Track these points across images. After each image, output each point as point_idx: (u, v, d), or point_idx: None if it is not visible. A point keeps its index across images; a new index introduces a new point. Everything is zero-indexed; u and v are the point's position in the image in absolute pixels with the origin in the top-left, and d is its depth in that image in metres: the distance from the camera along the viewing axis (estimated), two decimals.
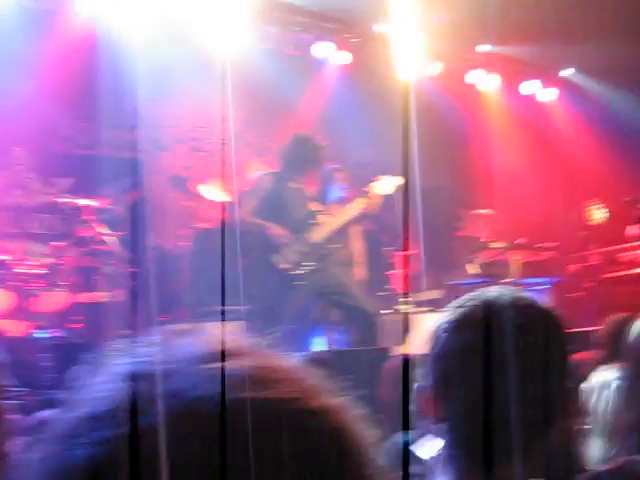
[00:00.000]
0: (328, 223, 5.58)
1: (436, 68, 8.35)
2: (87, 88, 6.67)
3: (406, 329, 5.84)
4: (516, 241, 7.32)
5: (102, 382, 0.58)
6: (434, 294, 6.86)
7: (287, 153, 5.58)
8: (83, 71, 6.63)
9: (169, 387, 0.54)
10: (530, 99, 9.17)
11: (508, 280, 6.55)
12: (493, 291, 1.26)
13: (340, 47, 7.94)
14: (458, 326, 1.24)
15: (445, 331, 1.26)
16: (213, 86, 7.28)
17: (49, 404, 2.62)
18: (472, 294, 1.26)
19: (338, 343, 5.94)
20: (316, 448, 0.53)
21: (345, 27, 7.91)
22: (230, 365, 0.57)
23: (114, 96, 6.37)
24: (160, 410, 0.52)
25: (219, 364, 0.57)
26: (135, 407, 0.53)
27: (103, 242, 5.53)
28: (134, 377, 0.56)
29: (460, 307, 1.25)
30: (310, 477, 0.52)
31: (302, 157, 5.49)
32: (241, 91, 7.49)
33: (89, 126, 6.95)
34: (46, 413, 2.57)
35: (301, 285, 5.41)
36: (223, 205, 6.35)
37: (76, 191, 6.33)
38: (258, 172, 5.70)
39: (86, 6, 6.59)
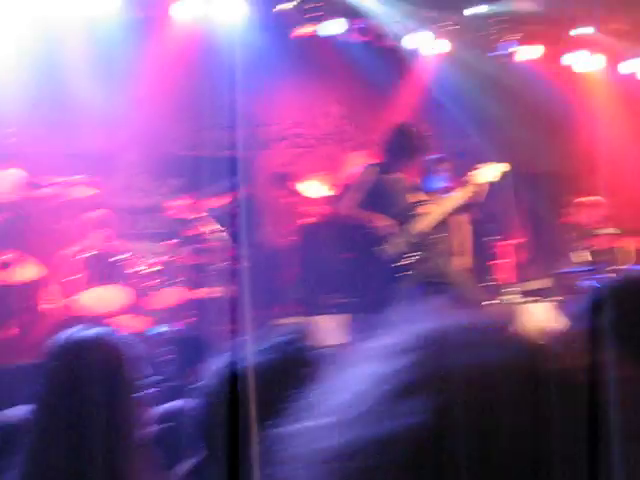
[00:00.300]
0: (431, 213, 5.56)
1: (536, 51, 8.16)
2: (191, 90, 6.90)
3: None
4: (625, 227, 7.08)
5: None
6: (541, 283, 6.73)
7: (390, 143, 5.56)
8: (186, 74, 6.86)
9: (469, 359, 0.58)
10: (631, 78, 8.84)
11: (616, 267, 6.36)
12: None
13: (437, 36, 7.88)
14: None
15: None
16: (312, 82, 7.40)
17: (173, 396, 2.74)
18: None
19: None
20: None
21: (442, 15, 7.84)
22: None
23: (216, 96, 6.57)
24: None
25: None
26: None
27: (213, 239, 5.70)
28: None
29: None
30: None
31: (405, 146, 5.47)
32: (340, 85, 7.59)
33: (194, 127, 7.18)
34: (175, 404, 2.69)
35: (407, 276, 5.39)
36: (325, 200, 6.44)
37: (185, 191, 6.57)
38: (361, 164, 5.71)
39: (183, 10, 6.79)
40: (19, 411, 2.28)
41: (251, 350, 1.50)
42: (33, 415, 1.97)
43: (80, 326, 2.07)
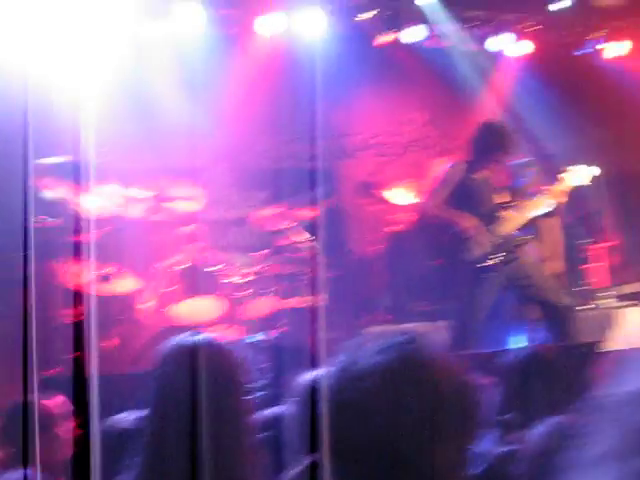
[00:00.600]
0: (518, 216, 5.47)
1: (623, 47, 7.95)
2: (274, 103, 7.03)
3: (609, 324, 5.61)
4: None
5: None
6: (636, 287, 6.54)
7: (477, 140, 5.49)
8: (269, 87, 6.99)
9: None
10: None
11: None
12: None
13: (520, 37, 7.78)
14: None
15: None
16: (394, 90, 7.42)
17: (271, 403, 2.78)
18: None
19: (539, 340, 5.79)
20: None
21: (523, 15, 7.74)
22: None
23: (300, 108, 6.66)
24: None
25: None
26: None
27: (303, 249, 5.77)
28: None
29: None
30: None
31: (492, 143, 5.39)
32: (423, 92, 7.58)
33: (279, 140, 7.30)
34: (276, 410, 2.73)
35: (493, 278, 5.30)
36: (412, 208, 6.43)
37: (273, 202, 6.68)
38: (448, 163, 5.64)
39: (266, 25, 6.92)
40: (129, 416, 2.37)
41: (366, 351, 1.51)
42: (146, 420, 2.03)
43: (188, 333, 2.14)
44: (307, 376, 2.63)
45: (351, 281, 6.04)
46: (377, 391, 1.43)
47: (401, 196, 6.59)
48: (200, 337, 2.09)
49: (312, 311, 5.38)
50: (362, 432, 1.42)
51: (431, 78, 7.43)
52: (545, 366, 2.65)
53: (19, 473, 1.93)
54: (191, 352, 2.04)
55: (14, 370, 5.47)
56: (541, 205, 5.54)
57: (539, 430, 2.14)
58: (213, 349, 2.06)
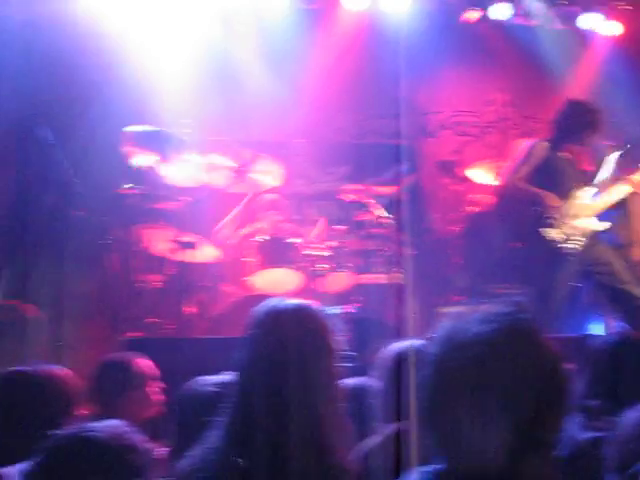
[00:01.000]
0: (599, 200, 5.33)
1: None
2: (358, 80, 7.01)
3: None
4: None
5: None
6: None
7: (562, 118, 5.34)
8: (353, 63, 6.97)
9: None
10: None
11: None
12: None
13: (609, 17, 7.54)
14: None
15: None
16: (477, 68, 7.30)
17: (352, 373, 2.80)
18: None
19: (617, 328, 5.66)
20: None
21: None
22: None
23: (383, 85, 6.63)
24: None
25: None
26: None
27: (381, 225, 5.77)
28: None
29: None
30: None
31: (577, 121, 5.23)
32: (506, 71, 7.43)
33: (361, 116, 7.28)
34: (354, 381, 2.75)
35: (571, 262, 5.17)
36: (491, 188, 6.35)
37: (353, 178, 6.68)
38: (531, 141, 5.52)
39: (352, 1, 6.89)
40: (223, 377, 2.41)
41: (470, 320, 1.49)
42: (236, 382, 2.06)
43: (278, 298, 2.15)
44: (392, 348, 2.65)
45: (428, 260, 6.01)
46: (482, 360, 1.42)
47: (481, 176, 6.50)
48: (291, 302, 2.11)
49: (393, 287, 5.40)
50: (464, 401, 1.41)
51: (516, 57, 7.28)
52: (636, 352, 2.59)
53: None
54: (284, 315, 2.06)
55: (97, 331, 5.66)
56: (621, 192, 5.37)
57: (630, 416, 2.11)
58: (304, 313, 2.07)
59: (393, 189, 5.91)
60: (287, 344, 2.01)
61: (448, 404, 1.39)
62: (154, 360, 3.32)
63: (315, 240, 5.80)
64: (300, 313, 2.07)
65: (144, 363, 3.19)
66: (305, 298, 5.03)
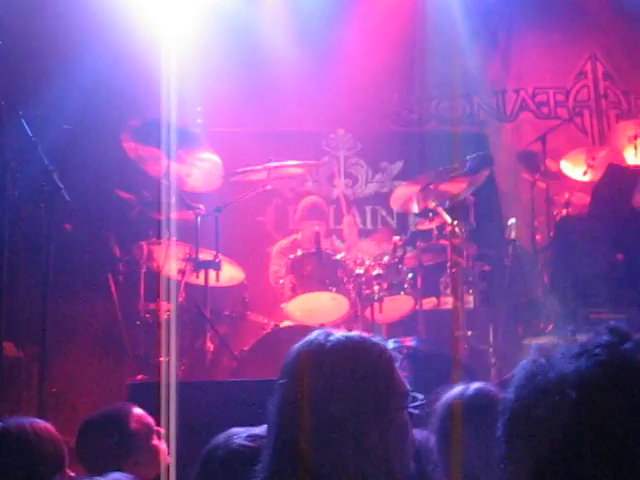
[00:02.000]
0: None
1: None
2: (408, 52, 7.05)
3: None
4: None
5: None
6: None
7: None
8: (402, 33, 7.02)
9: None
10: None
11: None
12: None
13: None
14: None
15: None
16: (560, 36, 7.29)
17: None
18: None
19: None
20: None
21: None
22: None
23: (440, 59, 6.66)
24: None
25: None
26: None
27: (446, 236, 5.78)
28: None
29: None
30: None
31: None
32: (600, 34, 7.40)
33: (410, 100, 7.32)
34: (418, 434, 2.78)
35: None
36: (586, 185, 6.33)
37: (408, 175, 6.71)
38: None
39: None
40: (257, 430, 2.45)
41: (559, 356, 1.50)
42: (272, 434, 2.07)
43: (322, 330, 2.11)
44: (455, 391, 2.68)
45: (506, 278, 6.01)
46: (577, 408, 1.42)
47: (572, 170, 6.49)
48: (339, 335, 2.04)
49: (462, 313, 5.42)
50: (554, 460, 1.42)
51: (613, 16, 7.26)
52: None
53: None
54: (330, 354, 2.00)
55: (92, 374, 5.75)
56: None
57: None
58: (359, 349, 2.00)
59: (461, 189, 5.92)
60: (334, 392, 1.96)
61: (532, 464, 1.41)
62: (163, 409, 3.38)
63: (364, 255, 5.84)
64: (351, 350, 2.00)
65: (144, 416, 3.23)
66: (354, 329, 5.07)
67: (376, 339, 2.04)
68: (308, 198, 6.40)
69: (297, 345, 2.05)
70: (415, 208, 5.97)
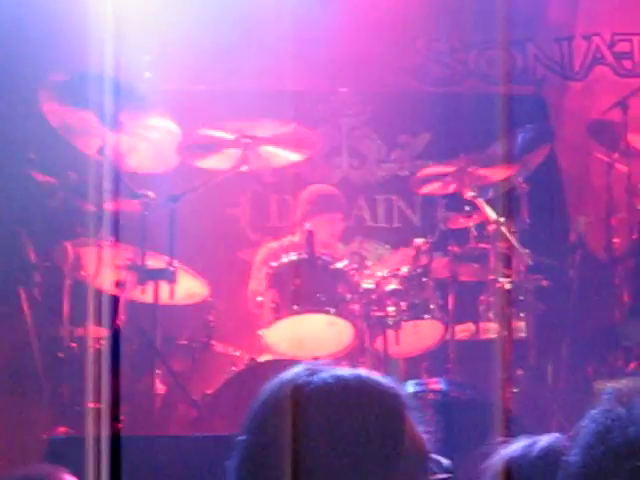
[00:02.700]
0: None
1: None
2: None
3: None
4: None
5: None
6: None
7: None
8: None
9: None
10: None
11: None
12: None
13: None
14: None
15: None
16: None
17: None
18: None
19: None
20: None
21: None
22: None
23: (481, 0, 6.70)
24: None
25: None
26: None
27: (488, 238, 5.80)
28: None
29: None
30: None
31: None
32: None
33: (448, 49, 7.35)
34: None
35: None
36: None
37: (435, 153, 6.76)
38: None
39: None
40: None
41: (634, 406, 1.54)
42: None
43: (303, 367, 2.08)
44: (512, 450, 2.71)
45: (572, 296, 6.05)
46: None
47: None
48: (334, 374, 2.01)
49: (509, 345, 5.42)
50: None
51: None
52: None
53: None
54: (316, 399, 1.96)
55: (4, 419, 5.80)
56: None
57: None
58: (362, 394, 2.00)
59: (509, 174, 5.94)
60: (315, 456, 1.94)
61: None
62: (90, 473, 3.41)
63: (376, 263, 5.86)
64: (342, 396, 1.97)
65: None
66: (358, 364, 5.10)
67: (383, 380, 2.03)
68: (312, 187, 6.39)
69: (266, 388, 2.00)
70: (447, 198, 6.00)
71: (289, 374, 1.98)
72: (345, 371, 1.97)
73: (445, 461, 2.08)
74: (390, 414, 1.96)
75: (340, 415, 1.91)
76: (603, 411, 1.54)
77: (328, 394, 1.92)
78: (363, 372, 2.01)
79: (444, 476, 2.06)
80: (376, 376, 2.02)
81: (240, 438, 1.96)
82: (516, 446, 2.72)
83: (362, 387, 1.96)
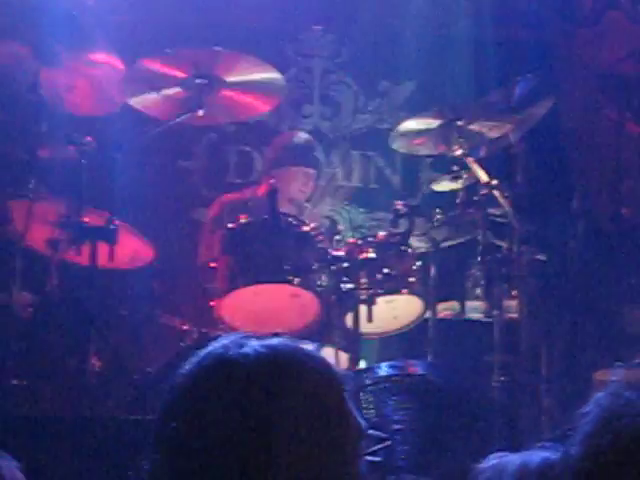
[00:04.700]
0: None
1: None
2: None
3: None
4: None
5: None
6: None
7: None
8: None
9: None
10: None
11: None
12: None
13: None
14: None
15: None
16: None
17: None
18: None
19: None
20: None
21: None
22: None
23: None
24: None
25: None
26: None
27: (480, 203, 5.82)
28: None
29: None
30: None
31: None
32: None
33: None
34: None
35: None
36: None
37: (420, 103, 6.78)
38: None
39: None
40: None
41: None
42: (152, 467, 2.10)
43: (235, 337, 2.09)
44: (505, 463, 2.75)
45: (573, 272, 6.10)
46: None
47: None
48: (266, 344, 2.02)
49: (500, 327, 5.45)
50: None
51: None
52: None
53: None
54: (245, 372, 1.97)
55: None
56: None
57: None
58: (293, 369, 2.02)
59: (505, 130, 5.95)
60: (245, 436, 1.96)
61: None
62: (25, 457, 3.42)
63: (346, 227, 5.87)
64: (274, 369, 1.99)
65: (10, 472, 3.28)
66: (324, 340, 5.13)
67: (314, 352, 2.06)
68: (286, 133, 6.41)
69: (191, 361, 2.00)
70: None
71: (217, 344, 1.99)
72: (277, 341, 1.98)
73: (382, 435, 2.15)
74: (333, 390, 2.00)
75: (276, 392, 1.92)
76: (610, 395, 1.54)
77: (261, 368, 1.93)
78: (298, 344, 2.02)
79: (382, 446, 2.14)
80: (310, 348, 2.08)
81: (158, 420, 1.95)
82: (509, 458, 2.76)
83: (296, 359, 1.98)
